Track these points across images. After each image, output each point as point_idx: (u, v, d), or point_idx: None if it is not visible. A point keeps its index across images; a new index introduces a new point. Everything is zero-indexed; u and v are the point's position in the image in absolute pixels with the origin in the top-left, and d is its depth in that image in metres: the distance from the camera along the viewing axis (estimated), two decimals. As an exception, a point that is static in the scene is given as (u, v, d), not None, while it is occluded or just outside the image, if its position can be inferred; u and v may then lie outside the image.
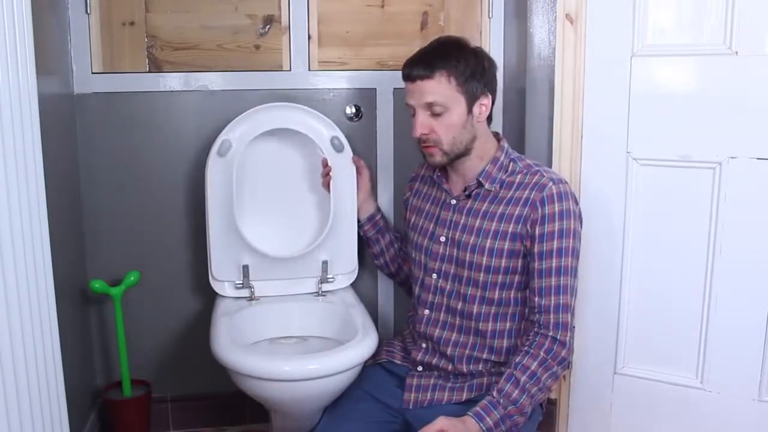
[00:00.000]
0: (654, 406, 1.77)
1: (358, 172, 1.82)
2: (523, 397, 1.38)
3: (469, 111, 1.48)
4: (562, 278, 1.43)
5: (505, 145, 1.55)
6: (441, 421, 1.35)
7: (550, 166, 1.77)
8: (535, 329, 1.44)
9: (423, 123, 1.47)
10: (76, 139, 1.83)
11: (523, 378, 1.39)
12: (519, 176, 1.50)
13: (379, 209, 1.86)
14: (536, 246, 1.44)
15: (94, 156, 1.85)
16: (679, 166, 1.66)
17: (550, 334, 1.42)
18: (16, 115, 1.14)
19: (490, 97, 1.50)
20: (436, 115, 1.46)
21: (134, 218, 1.90)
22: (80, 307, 1.85)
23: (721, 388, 1.68)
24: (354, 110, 1.94)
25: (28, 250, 1.18)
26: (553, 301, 1.43)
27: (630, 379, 1.79)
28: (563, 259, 1.43)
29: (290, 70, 1.90)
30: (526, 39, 1.78)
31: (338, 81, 1.93)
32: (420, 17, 1.94)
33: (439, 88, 1.45)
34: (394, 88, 1.93)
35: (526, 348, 1.43)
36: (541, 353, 1.41)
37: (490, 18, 1.96)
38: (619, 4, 1.66)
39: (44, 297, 1.25)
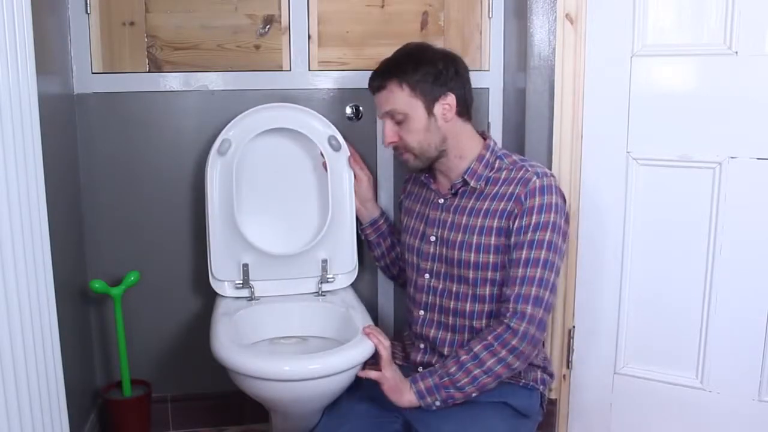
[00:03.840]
0: (654, 406, 1.77)
1: (355, 177, 1.82)
2: (460, 373, 1.41)
3: (430, 113, 1.49)
4: (529, 269, 1.42)
5: (492, 143, 1.56)
6: (384, 373, 1.46)
7: (550, 167, 1.77)
8: (498, 317, 1.45)
9: (389, 132, 1.53)
10: (76, 139, 1.82)
11: (465, 357, 1.42)
12: (504, 172, 1.51)
13: (383, 213, 1.86)
14: (513, 238, 1.45)
15: (94, 156, 1.85)
16: (678, 166, 1.66)
17: (505, 321, 1.42)
18: (16, 115, 1.14)
19: (452, 95, 1.50)
20: (399, 122, 1.51)
21: (134, 218, 1.90)
22: (80, 307, 1.85)
23: (721, 388, 1.68)
24: (354, 110, 1.94)
25: (28, 250, 1.18)
26: (515, 291, 1.43)
27: (630, 379, 1.79)
28: (534, 251, 1.43)
29: (290, 70, 1.90)
30: (526, 39, 1.78)
31: (338, 81, 1.93)
32: (420, 17, 1.94)
33: (392, 97, 1.49)
34: (394, 88, 1.93)
35: (482, 333, 1.45)
36: (489, 338, 1.42)
37: (490, 18, 1.96)
38: (619, 4, 1.66)
39: (44, 297, 1.25)
